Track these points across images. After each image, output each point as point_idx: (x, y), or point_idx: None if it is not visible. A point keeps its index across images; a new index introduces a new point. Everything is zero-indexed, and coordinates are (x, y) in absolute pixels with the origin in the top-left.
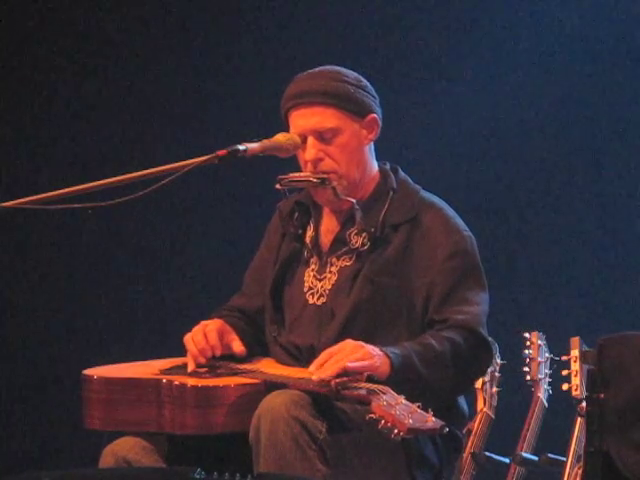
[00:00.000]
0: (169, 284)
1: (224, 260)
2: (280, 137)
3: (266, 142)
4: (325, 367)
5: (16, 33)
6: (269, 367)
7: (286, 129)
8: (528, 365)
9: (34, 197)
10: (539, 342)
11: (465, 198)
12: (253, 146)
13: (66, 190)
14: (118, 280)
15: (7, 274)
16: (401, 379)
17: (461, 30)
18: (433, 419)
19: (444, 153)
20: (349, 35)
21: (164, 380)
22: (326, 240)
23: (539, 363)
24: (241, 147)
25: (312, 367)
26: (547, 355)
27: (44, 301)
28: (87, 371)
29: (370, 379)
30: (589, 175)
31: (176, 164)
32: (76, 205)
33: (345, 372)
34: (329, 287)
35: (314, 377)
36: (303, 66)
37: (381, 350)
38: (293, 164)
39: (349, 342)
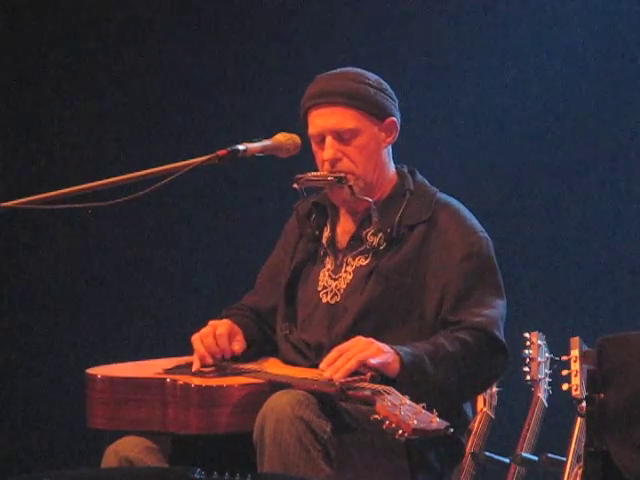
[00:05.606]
0: (174, 283)
1: (231, 260)
2: (280, 137)
3: (266, 142)
4: (336, 366)
5: (15, 31)
6: (274, 367)
7: (303, 129)
8: (528, 365)
9: (34, 197)
10: (539, 342)
11: (466, 199)
12: (253, 146)
13: (66, 190)
14: (122, 279)
15: (9, 274)
16: (411, 377)
17: (476, 32)
18: (438, 420)
19: (449, 155)
20: (359, 37)
21: (168, 380)
22: (343, 240)
23: (539, 363)
24: (241, 147)
25: (323, 365)
26: (547, 355)
27: (48, 300)
28: (91, 370)
29: (374, 380)
30: (589, 176)
31: (176, 164)
32: (76, 205)
33: (357, 368)
34: (344, 286)
35: (326, 374)
36: (304, 66)
37: (391, 348)
38: (310, 165)
39: (360, 339)
